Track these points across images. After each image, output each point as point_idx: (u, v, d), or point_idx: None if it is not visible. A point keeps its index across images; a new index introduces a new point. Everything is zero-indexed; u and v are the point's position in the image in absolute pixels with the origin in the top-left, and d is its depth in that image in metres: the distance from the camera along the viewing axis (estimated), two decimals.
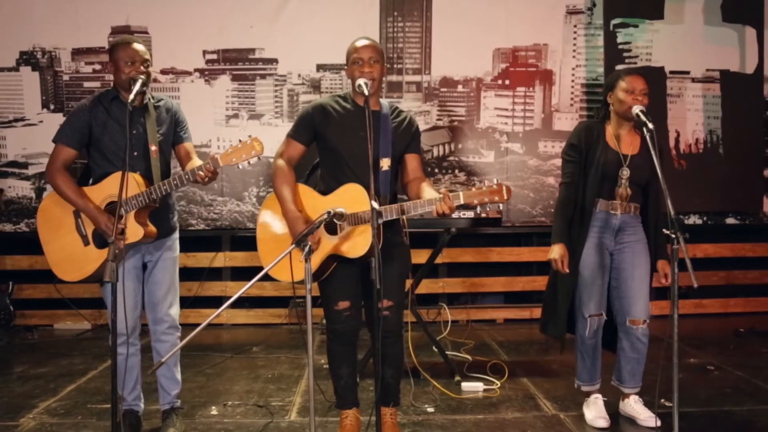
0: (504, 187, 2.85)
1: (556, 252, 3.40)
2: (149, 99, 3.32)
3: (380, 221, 2.88)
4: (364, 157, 2.89)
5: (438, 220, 4.36)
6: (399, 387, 3.32)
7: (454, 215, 4.35)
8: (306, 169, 3.40)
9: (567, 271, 3.39)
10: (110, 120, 3.23)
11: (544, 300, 3.63)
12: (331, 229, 3.06)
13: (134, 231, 3.13)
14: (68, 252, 3.27)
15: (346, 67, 3.19)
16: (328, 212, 2.91)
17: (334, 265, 3.12)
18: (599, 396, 3.56)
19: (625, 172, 3.38)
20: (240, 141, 3.07)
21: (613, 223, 3.43)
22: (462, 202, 2.86)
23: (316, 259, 3.04)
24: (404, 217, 3.06)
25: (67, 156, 3.25)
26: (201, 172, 3.09)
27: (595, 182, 3.40)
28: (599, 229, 3.44)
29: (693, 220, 6.08)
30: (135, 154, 3.24)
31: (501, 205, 2.91)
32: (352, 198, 3.02)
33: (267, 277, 2.92)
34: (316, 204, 3.11)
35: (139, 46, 3.23)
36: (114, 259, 2.69)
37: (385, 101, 3.23)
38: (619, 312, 3.47)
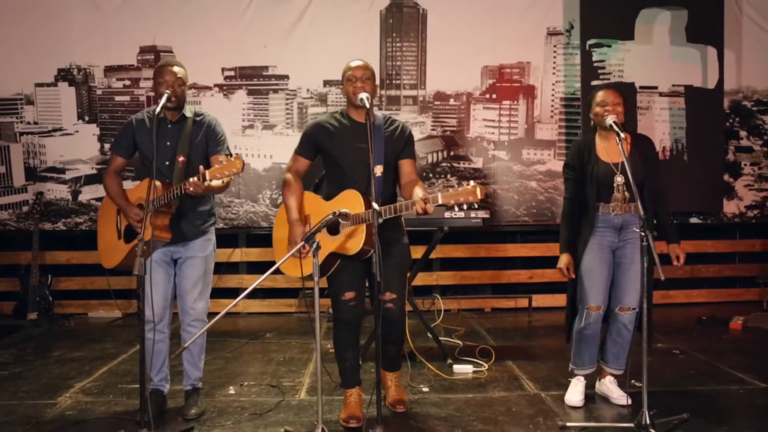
0: (477, 188, 2.77)
1: (561, 261, 3.43)
2: (187, 114, 3.33)
3: (370, 221, 2.90)
4: (361, 165, 2.95)
5: (433, 219, 4.38)
6: (399, 356, 3.45)
7: (447, 215, 4.39)
8: (315, 178, 3.44)
9: (573, 276, 3.42)
10: (151, 132, 3.24)
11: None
12: (332, 230, 3.08)
13: (147, 231, 3.12)
14: (107, 243, 3.47)
15: (341, 86, 3.20)
16: (334, 212, 2.93)
17: (338, 262, 3.13)
18: (582, 378, 3.55)
19: (619, 179, 3.35)
20: (226, 157, 2.99)
21: (615, 223, 3.40)
22: (440, 202, 2.84)
23: (320, 256, 3.05)
24: (401, 217, 3.07)
25: (118, 163, 3.42)
26: (189, 184, 3.02)
27: (593, 192, 3.39)
28: (602, 229, 3.41)
29: None
30: (167, 163, 3.27)
31: (480, 204, 2.89)
32: (349, 201, 3.05)
33: (279, 271, 2.94)
34: (320, 208, 3.15)
35: (174, 68, 3.25)
36: (142, 254, 2.76)
37: (378, 113, 3.24)
38: (612, 300, 3.44)
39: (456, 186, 2.83)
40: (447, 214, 4.39)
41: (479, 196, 2.78)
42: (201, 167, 3.13)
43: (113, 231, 3.44)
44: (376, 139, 3.11)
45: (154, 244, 3.22)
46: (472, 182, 2.82)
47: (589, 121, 3.53)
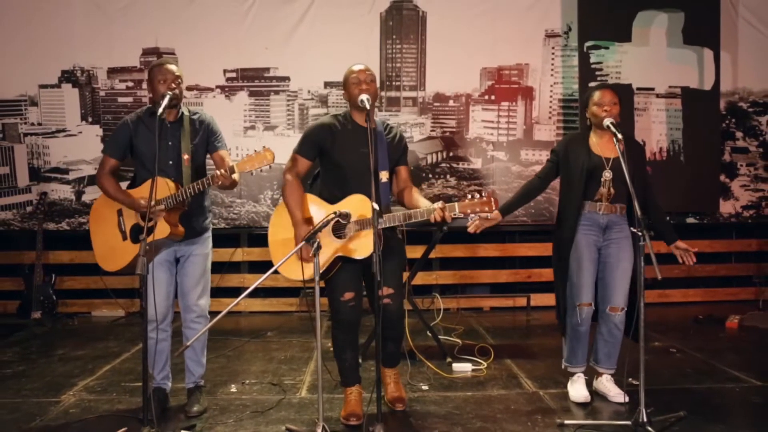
0: (492, 200, 2.93)
1: (492, 215, 3.19)
2: (184, 113, 3.33)
3: (383, 226, 2.91)
4: (365, 170, 2.92)
5: None
6: (398, 353, 3.45)
7: None
8: (308, 178, 3.42)
9: (472, 229, 3.29)
10: (148, 133, 3.24)
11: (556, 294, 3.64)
12: (339, 234, 3.08)
13: (162, 228, 3.15)
14: (109, 245, 3.36)
15: (343, 90, 3.20)
16: (335, 213, 2.93)
17: (339, 264, 3.13)
18: (581, 375, 3.55)
19: (608, 174, 3.36)
20: (255, 151, 3.07)
21: (600, 222, 3.41)
22: (457, 212, 2.93)
23: (324, 259, 3.06)
24: (404, 222, 3.08)
25: (112, 164, 3.36)
26: (218, 177, 3.07)
27: (581, 185, 3.38)
28: (587, 227, 3.41)
29: None
30: (170, 162, 3.26)
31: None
32: (357, 206, 3.04)
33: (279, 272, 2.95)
34: (323, 211, 3.12)
35: (171, 67, 3.25)
36: (144, 254, 2.75)
37: (377, 119, 3.24)
38: (601, 300, 3.45)
39: (456, 186, 2.87)
40: None
41: (494, 207, 2.94)
42: (228, 161, 3.25)
43: (115, 233, 3.36)
44: (380, 144, 3.12)
45: (158, 244, 3.21)
46: (484, 193, 2.91)
47: (586, 121, 3.53)
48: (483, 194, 2.93)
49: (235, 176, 3.12)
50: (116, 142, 3.35)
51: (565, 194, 3.48)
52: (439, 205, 2.93)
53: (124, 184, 3.39)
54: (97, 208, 3.45)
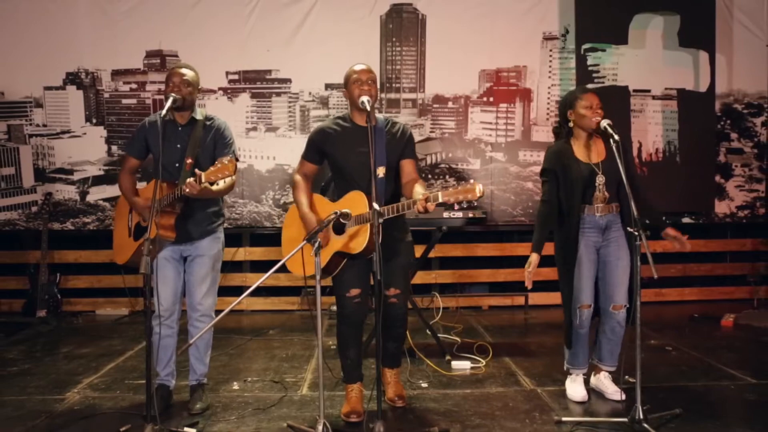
0: (477, 186, 2.74)
1: (531, 263, 3.35)
2: (197, 117, 3.33)
3: (380, 221, 2.89)
4: (364, 168, 2.95)
5: (432, 219, 4.39)
6: (400, 353, 3.47)
7: (445, 215, 4.40)
8: (321, 182, 3.46)
9: (529, 283, 3.36)
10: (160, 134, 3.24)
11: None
12: (339, 230, 3.09)
13: (152, 229, 3.13)
14: (120, 240, 3.52)
15: (344, 89, 3.20)
16: (335, 213, 2.94)
17: (344, 261, 3.14)
18: (580, 374, 3.55)
19: (601, 179, 3.35)
20: (220, 162, 2.98)
21: (600, 224, 3.39)
22: (441, 200, 2.81)
23: (325, 255, 3.07)
24: (404, 216, 3.07)
25: (131, 164, 3.44)
26: (186, 185, 3.03)
27: (578, 194, 3.36)
28: (588, 230, 3.39)
29: None
30: (176, 165, 3.29)
31: (477, 205, 2.88)
32: (354, 202, 3.06)
33: (282, 269, 2.95)
34: (326, 209, 3.16)
35: (181, 70, 3.28)
36: (147, 253, 2.78)
37: (380, 116, 3.25)
38: (603, 298, 3.43)
39: (455, 186, 2.83)
40: (446, 214, 4.41)
41: (478, 194, 2.74)
42: (198, 172, 3.13)
43: (125, 229, 3.48)
44: (378, 141, 3.12)
45: (160, 243, 3.22)
46: (471, 180, 2.83)
47: (565, 125, 3.48)
48: (469, 182, 2.78)
49: (216, 186, 3.04)
50: (134, 142, 3.43)
51: (563, 203, 3.45)
52: (421, 195, 2.87)
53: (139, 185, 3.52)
54: (119, 204, 3.61)
